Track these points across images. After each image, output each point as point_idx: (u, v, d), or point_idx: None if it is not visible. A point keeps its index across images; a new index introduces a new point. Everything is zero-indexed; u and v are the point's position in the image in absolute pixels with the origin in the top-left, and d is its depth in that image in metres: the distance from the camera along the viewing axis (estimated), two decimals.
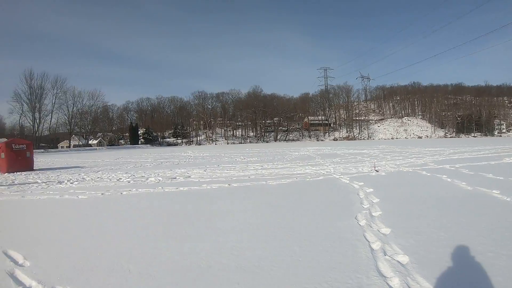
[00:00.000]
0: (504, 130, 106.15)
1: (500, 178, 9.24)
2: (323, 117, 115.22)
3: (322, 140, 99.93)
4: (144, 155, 31.18)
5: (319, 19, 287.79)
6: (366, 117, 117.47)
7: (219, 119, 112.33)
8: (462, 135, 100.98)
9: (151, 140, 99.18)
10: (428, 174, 10.76)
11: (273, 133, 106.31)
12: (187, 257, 3.69)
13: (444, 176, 10.03)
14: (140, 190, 8.90)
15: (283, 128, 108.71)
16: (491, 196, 6.79)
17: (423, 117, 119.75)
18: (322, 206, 6.31)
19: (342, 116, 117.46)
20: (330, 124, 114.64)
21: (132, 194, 8.30)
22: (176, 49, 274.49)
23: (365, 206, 6.13)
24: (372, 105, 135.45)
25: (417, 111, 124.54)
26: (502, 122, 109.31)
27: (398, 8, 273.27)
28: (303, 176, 11.18)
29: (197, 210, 6.20)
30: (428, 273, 3.13)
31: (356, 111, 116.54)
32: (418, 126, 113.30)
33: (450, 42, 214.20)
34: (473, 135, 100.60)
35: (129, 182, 10.73)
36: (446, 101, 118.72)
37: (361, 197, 7.11)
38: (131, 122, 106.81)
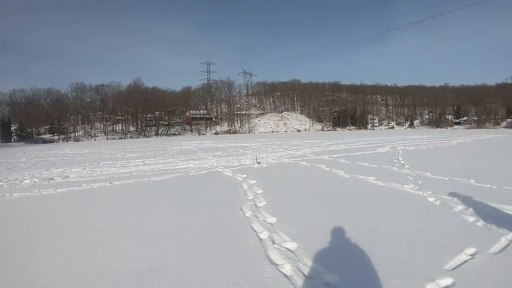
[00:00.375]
0: (376, 124, 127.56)
1: (374, 166, 10.72)
2: (204, 111, 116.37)
3: (203, 134, 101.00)
4: (17, 154, 27.14)
5: (205, 15, 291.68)
6: (247, 112, 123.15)
7: (98, 113, 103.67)
8: (338, 129, 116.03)
9: (26, 137, 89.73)
10: (308, 164, 11.76)
11: (154, 127, 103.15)
12: (71, 267, 3.42)
13: (323, 166, 11.11)
14: (14, 195, 8.11)
15: (165, 123, 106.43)
16: (368, 182, 7.82)
17: (302, 112, 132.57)
18: (207, 200, 6.26)
19: (224, 110, 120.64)
20: (211, 118, 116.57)
21: (4, 201, 7.57)
22: (53, 34, 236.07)
23: (250, 198, 6.28)
24: (253, 100, 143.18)
25: (296, 106, 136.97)
26: (375, 117, 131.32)
27: (281, 8, 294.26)
28: (186, 170, 11.09)
29: (76, 215, 5.78)
30: (317, 256, 3.31)
31: (238, 105, 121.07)
32: (297, 120, 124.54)
33: (329, 43, 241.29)
34: (348, 128, 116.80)
35: (1, 186, 9.68)
36: (324, 98, 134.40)
37: (245, 189, 7.28)
38: (2, 117, 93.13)
